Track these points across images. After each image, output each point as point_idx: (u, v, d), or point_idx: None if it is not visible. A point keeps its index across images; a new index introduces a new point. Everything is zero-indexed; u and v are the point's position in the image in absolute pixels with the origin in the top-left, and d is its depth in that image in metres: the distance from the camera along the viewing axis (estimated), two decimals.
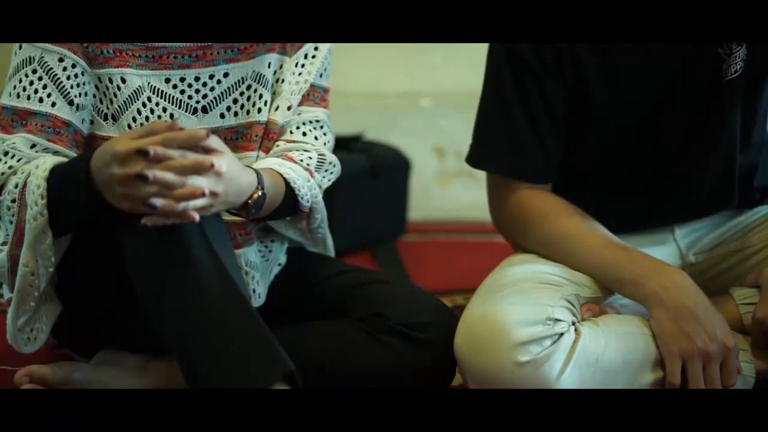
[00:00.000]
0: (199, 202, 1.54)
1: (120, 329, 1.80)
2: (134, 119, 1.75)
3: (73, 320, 1.81)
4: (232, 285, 1.57)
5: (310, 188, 1.79)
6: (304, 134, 1.85)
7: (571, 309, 1.72)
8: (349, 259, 2.05)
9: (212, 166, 1.55)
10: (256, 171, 1.69)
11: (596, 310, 1.76)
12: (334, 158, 1.87)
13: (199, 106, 1.79)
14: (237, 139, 1.81)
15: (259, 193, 1.67)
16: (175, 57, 1.77)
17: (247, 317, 1.56)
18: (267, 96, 1.81)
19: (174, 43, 1.77)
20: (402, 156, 3.05)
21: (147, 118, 1.76)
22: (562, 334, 1.67)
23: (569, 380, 1.66)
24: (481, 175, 1.92)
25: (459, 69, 3.11)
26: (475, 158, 1.89)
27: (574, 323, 1.71)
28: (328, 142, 1.88)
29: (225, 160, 1.57)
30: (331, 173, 1.87)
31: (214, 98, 1.79)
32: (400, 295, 1.81)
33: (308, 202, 1.78)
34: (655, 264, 1.75)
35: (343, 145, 3.00)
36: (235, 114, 1.81)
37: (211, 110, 1.79)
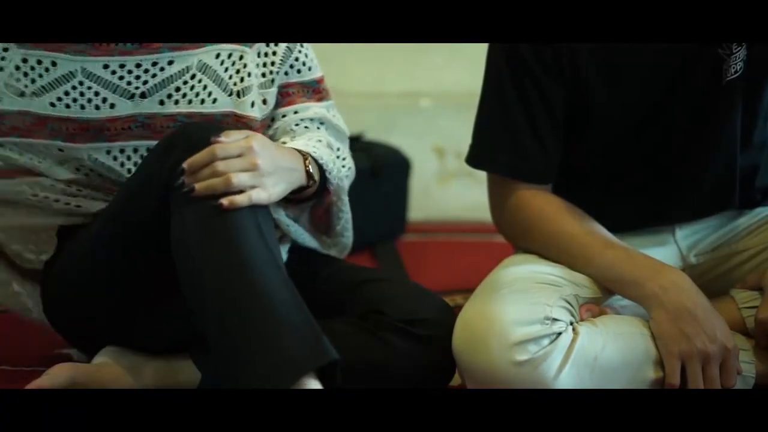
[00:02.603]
0: (243, 178, 1.59)
1: (123, 326, 1.80)
2: (59, 99, 1.76)
3: (78, 316, 1.81)
4: (280, 272, 1.58)
5: (335, 164, 1.80)
6: (306, 128, 1.86)
7: (570, 309, 1.72)
8: (349, 258, 2.05)
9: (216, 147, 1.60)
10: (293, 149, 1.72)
11: (596, 311, 1.76)
12: (346, 152, 1.89)
13: (138, 92, 1.78)
14: (176, 127, 1.79)
15: (310, 159, 1.70)
16: (116, 45, 1.78)
17: (293, 302, 1.56)
18: (212, 87, 1.80)
19: None
20: (402, 156, 3.06)
21: (74, 100, 1.76)
22: (560, 334, 1.67)
23: (567, 380, 1.66)
24: (481, 175, 1.92)
25: (459, 69, 3.11)
26: (475, 158, 1.89)
27: (572, 323, 1.71)
28: (333, 135, 1.89)
29: (251, 139, 1.62)
30: (342, 164, 1.87)
31: (155, 85, 1.79)
32: (400, 293, 1.81)
33: (335, 178, 1.78)
34: (654, 265, 1.75)
35: None
36: (176, 102, 1.80)
37: (150, 96, 1.79)
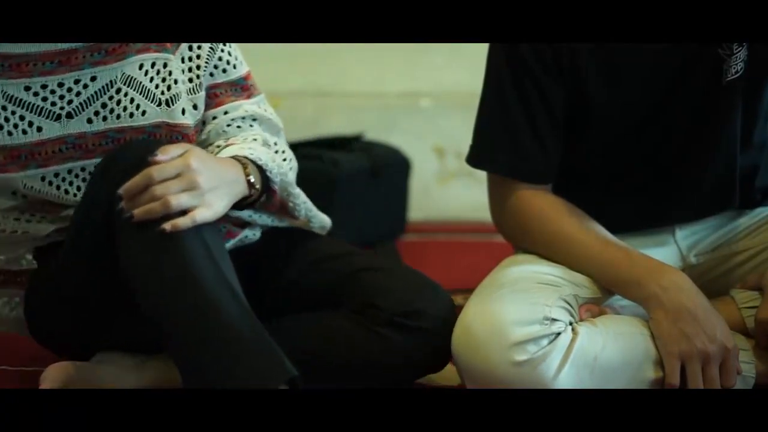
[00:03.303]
0: (184, 199, 1.56)
1: (116, 331, 1.80)
2: None
3: (63, 337, 1.81)
4: (231, 289, 1.57)
5: (275, 161, 1.75)
6: (239, 127, 1.83)
7: (569, 309, 1.72)
8: None
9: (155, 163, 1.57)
10: (232, 157, 1.69)
11: (595, 311, 1.76)
12: (284, 145, 1.85)
13: (64, 112, 1.74)
14: (107, 144, 1.76)
15: (250, 167, 1.67)
16: (35, 65, 1.74)
17: (247, 322, 1.56)
18: (139, 100, 1.76)
19: (34, 50, 1.73)
20: (402, 156, 3.06)
21: (0, 126, 1.73)
22: (559, 334, 1.67)
23: (566, 380, 1.66)
24: (481, 175, 1.92)
25: (459, 69, 3.11)
26: (475, 158, 1.89)
27: (571, 323, 1.71)
28: (267, 130, 1.85)
29: (189, 156, 1.58)
30: (282, 158, 1.83)
31: (81, 103, 1.75)
32: (394, 283, 1.80)
33: (277, 176, 1.74)
34: (654, 265, 1.75)
35: (343, 145, 3.01)
36: (104, 119, 1.75)
37: (77, 115, 1.75)
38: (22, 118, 1.73)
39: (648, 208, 1.90)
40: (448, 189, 3.36)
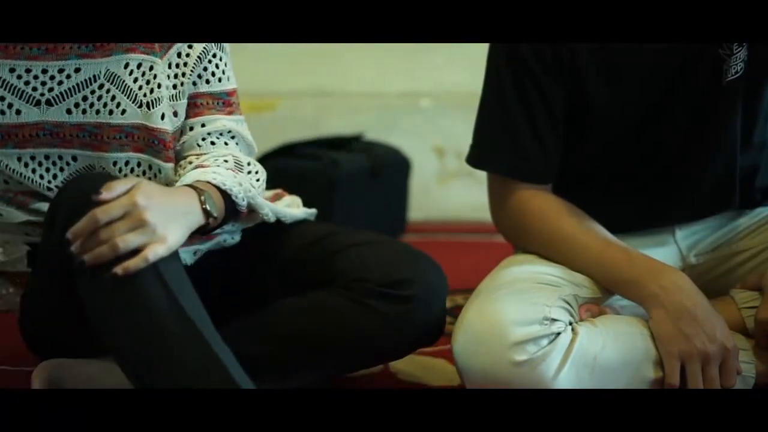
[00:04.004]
0: (131, 239, 1.53)
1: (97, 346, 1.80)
2: None
3: (55, 346, 1.81)
4: (191, 327, 1.56)
5: (241, 185, 1.72)
6: (213, 143, 1.80)
7: (569, 309, 1.72)
8: None
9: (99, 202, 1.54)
10: (189, 185, 1.66)
11: (595, 311, 1.76)
12: (255, 163, 1.82)
13: (44, 99, 1.74)
14: (84, 137, 1.76)
15: (205, 195, 1.64)
16: (22, 48, 1.74)
17: (209, 359, 1.55)
18: (120, 98, 1.75)
19: None
20: (402, 156, 3.06)
21: None
22: (558, 334, 1.67)
23: (566, 380, 1.66)
24: (481, 175, 1.93)
25: (459, 69, 3.11)
26: (475, 158, 1.89)
27: (571, 323, 1.71)
28: (244, 149, 1.83)
29: (134, 193, 1.55)
30: (256, 178, 1.80)
31: (61, 93, 1.75)
32: (381, 256, 1.79)
33: (244, 200, 1.71)
34: (654, 265, 1.75)
35: (343, 145, 3.01)
36: (84, 111, 1.75)
37: (56, 104, 1.75)
38: (2, 99, 1.74)
39: (648, 208, 1.90)
40: (448, 189, 3.36)
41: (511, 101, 1.82)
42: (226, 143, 1.81)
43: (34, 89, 1.75)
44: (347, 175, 2.87)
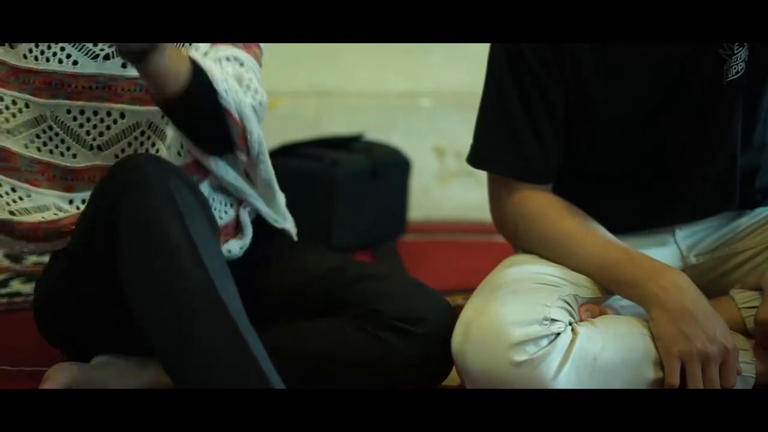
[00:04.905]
0: None
1: (117, 334, 1.80)
2: (30, 51, 1.78)
3: (71, 326, 1.82)
4: (216, 296, 1.56)
5: (229, 84, 1.73)
6: (219, 61, 1.81)
7: (569, 309, 1.72)
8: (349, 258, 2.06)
9: None
10: None
11: (595, 311, 1.76)
12: (258, 86, 1.82)
13: (102, 54, 1.78)
14: (136, 91, 1.80)
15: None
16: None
17: (229, 334, 1.56)
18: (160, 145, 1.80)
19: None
20: (402, 156, 3.05)
21: (42, 52, 1.77)
22: (558, 334, 1.67)
23: (566, 380, 1.66)
24: (482, 175, 1.93)
25: (459, 69, 3.11)
26: (475, 158, 1.89)
27: (571, 323, 1.71)
28: (252, 78, 1.82)
29: None
30: (257, 99, 1.80)
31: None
32: (396, 290, 1.80)
33: (227, 93, 1.72)
34: (654, 265, 1.75)
35: (343, 145, 3.01)
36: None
37: (113, 58, 1.78)
38: (62, 48, 1.78)
39: (648, 208, 1.90)
40: (448, 189, 3.36)
41: (512, 101, 1.82)
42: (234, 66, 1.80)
43: (94, 44, 1.78)
44: (347, 175, 2.86)
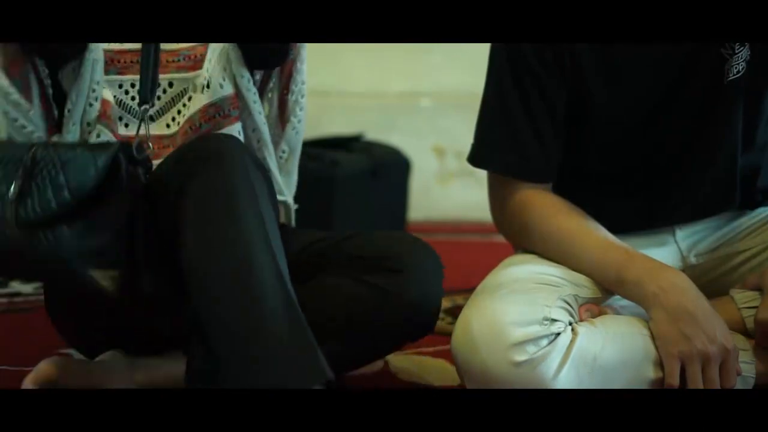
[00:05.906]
0: None
1: (123, 331, 1.80)
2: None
3: (78, 321, 1.82)
4: (282, 282, 1.58)
5: None
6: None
7: (569, 309, 1.72)
8: None
9: None
10: None
11: (595, 311, 1.76)
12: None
13: None
14: (179, 60, 1.87)
15: None
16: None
17: (293, 319, 1.57)
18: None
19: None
20: (402, 156, 3.06)
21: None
22: (558, 334, 1.67)
23: (566, 380, 1.66)
24: (482, 174, 1.93)
25: (459, 69, 3.12)
26: (476, 158, 1.89)
27: (571, 323, 1.71)
28: None
29: None
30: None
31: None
32: (377, 239, 1.85)
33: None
34: (654, 265, 1.75)
35: (343, 145, 3.01)
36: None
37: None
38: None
39: (648, 208, 1.90)
40: (448, 189, 3.36)
41: (512, 101, 1.82)
42: None
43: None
44: (347, 175, 2.87)
